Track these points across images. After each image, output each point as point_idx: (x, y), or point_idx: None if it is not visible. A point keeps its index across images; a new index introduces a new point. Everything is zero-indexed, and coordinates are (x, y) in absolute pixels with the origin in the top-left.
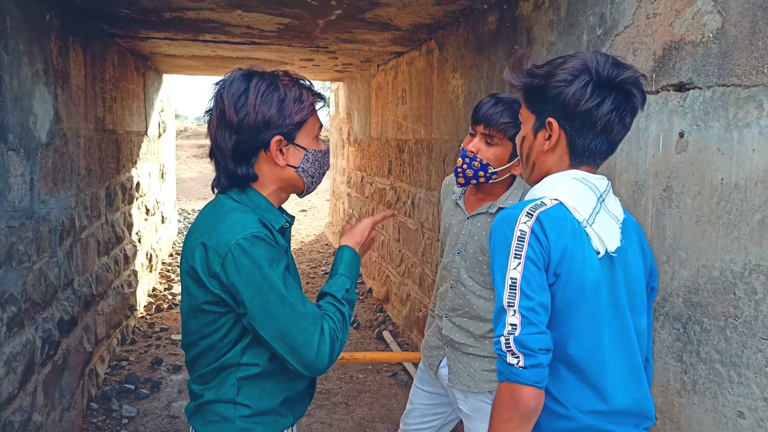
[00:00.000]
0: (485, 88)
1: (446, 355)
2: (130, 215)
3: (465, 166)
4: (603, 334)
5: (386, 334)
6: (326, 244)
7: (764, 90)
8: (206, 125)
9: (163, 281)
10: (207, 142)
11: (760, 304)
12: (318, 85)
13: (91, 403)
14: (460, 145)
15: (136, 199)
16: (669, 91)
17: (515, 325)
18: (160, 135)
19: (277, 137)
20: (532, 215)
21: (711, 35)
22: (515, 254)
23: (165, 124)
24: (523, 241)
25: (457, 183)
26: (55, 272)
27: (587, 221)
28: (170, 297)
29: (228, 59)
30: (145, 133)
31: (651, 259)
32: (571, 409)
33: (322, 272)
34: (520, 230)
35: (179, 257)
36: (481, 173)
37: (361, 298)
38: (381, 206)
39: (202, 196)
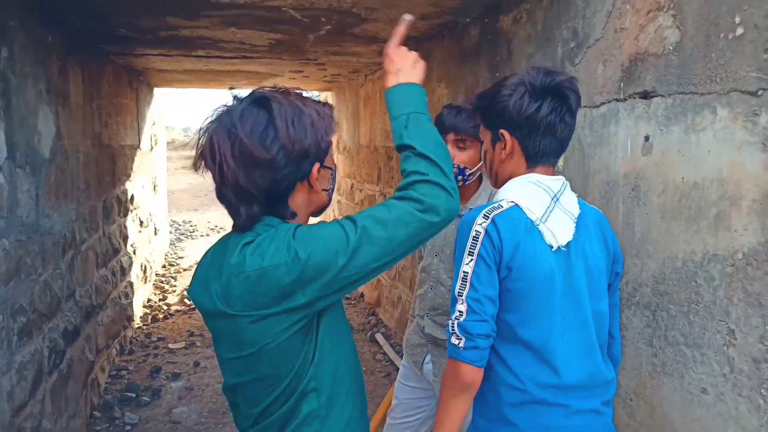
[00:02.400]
0: (464, 95)
1: (429, 351)
2: (126, 227)
3: None
4: (554, 317)
5: (379, 337)
6: None
7: (717, 97)
8: (199, 163)
9: (158, 292)
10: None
11: (717, 289)
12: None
13: (94, 411)
14: None
15: (131, 211)
16: (635, 98)
17: (462, 312)
18: (152, 148)
19: (317, 165)
20: (488, 217)
21: (671, 48)
22: (469, 252)
23: (156, 137)
24: (477, 241)
25: None
26: (59, 284)
27: (540, 219)
28: (165, 307)
29: (219, 72)
30: (138, 146)
31: (615, 246)
32: (527, 383)
33: None
34: (475, 230)
35: (171, 268)
36: (460, 177)
37: (352, 302)
38: None
39: (192, 207)
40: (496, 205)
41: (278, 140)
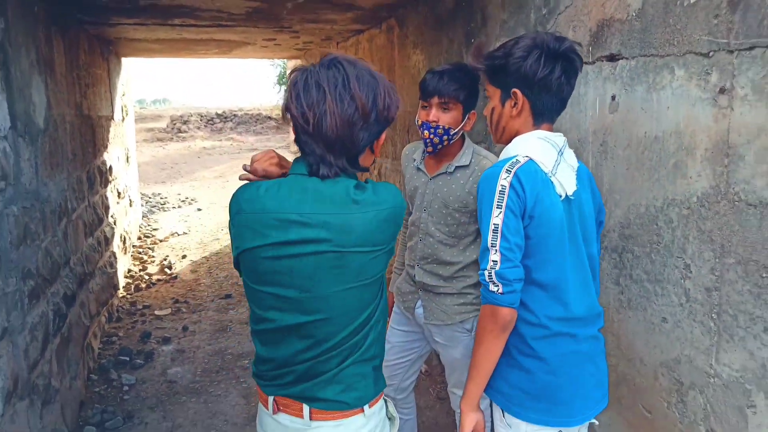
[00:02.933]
0: (445, 62)
1: (420, 297)
2: (107, 198)
3: (432, 136)
4: (565, 259)
5: None
6: None
7: (675, 59)
8: (289, 112)
9: (137, 263)
10: (156, 125)
11: (675, 230)
12: (272, 62)
13: (91, 374)
14: None
15: (110, 182)
16: (603, 61)
17: (496, 261)
18: (123, 119)
19: (384, 133)
20: (511, 171)
21: (634, 14)
22: (497, 205)
23: (126, 107)
24: (504, 194)
25: (426, 152)
26: (57, 251)
27: (551, 172)
28: (147, 277)
29: (192, 41)
30: (112, 117)
31: (599, 199)
32: (542, 319)
33: None
34: (501, 185)
35: (147, 240)
36: (445, 137)
37: None
38: None
39: (159, 180)
40: (513, 160)
41: (377, 105)
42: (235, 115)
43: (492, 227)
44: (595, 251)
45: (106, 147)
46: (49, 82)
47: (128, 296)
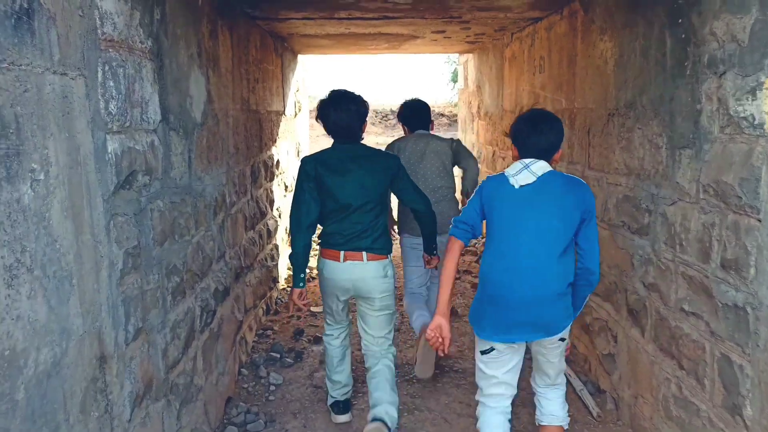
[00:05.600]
0: (641, 49)
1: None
2: (272, 191)
3: None
4: (513, 224)
5: None
6: None
7: None
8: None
9: None
10: None
11: None
12: (446, 58)
13: (242, 369)
14: (608, 114)
15: (277, 176)
16: None
17: (460, 213)
18: (295, 114)
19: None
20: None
21: None
22: (476, 192)
23: (300, 103)
24: (480, 188)
25: None
26: (210, 245)
27: (511, 174)
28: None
29: (361, 36)
30: (283, 112)
31: (583, 199)
32: (486, 262)
33: None
34: (480, 186)
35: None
36: None
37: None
38: None
39: None
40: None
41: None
42: None
43: (465, 205)
44: (554, 225)
45: (274, 141)
46: (211, 76)
47: (288, 289)
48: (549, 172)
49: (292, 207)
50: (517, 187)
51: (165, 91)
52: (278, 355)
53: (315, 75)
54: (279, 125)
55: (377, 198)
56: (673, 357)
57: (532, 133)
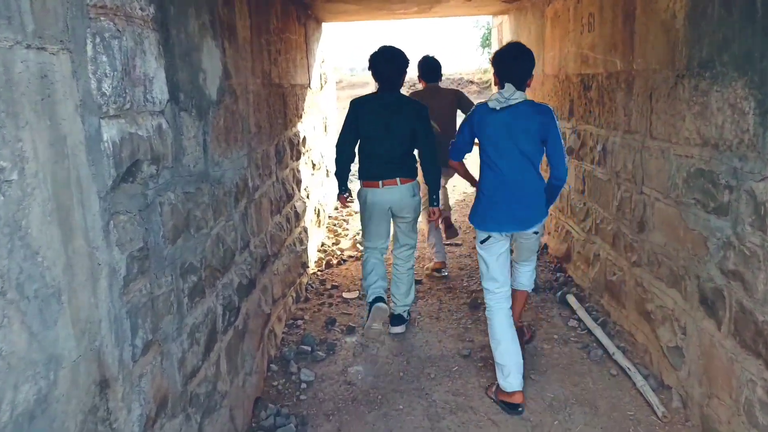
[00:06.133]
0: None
1: None
2: (299, 171)
3: None
4: (497, 146)
5: (571, 298)
6: None
7: None
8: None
9: (331, 236)
10: (364, 91)
11: None
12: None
13: (272, 364)
14: (676, 76)
15: (303, 154)
16: None
17: (455, 141)
18: (321, 87)
19: None
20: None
21: None
22: (467, 119)
23: (326, 75)
24: (471, 114)
25: None
26: (231, 236)
27: (492, 100)
28: (338, 252)
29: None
30: (309, 85)
31: (543, 121)
32: (482, 180)
33: None
34: (472, 110)
35: (344, 211)
36: None
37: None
38: None
39: None
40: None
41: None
42: None
43: (458, 129)
44: (528, 148)
45: (300, 117)
46: (227, 48)
47: (318, 273)
48: (523, 101)
49: (338, 138)
50: (498, 109)
51: (173, 66)
52: (309, 349)
53: (338, 45)
54: (304, 99)
55: (407, 135)
56: (760, 356)
57: (512, 62)
